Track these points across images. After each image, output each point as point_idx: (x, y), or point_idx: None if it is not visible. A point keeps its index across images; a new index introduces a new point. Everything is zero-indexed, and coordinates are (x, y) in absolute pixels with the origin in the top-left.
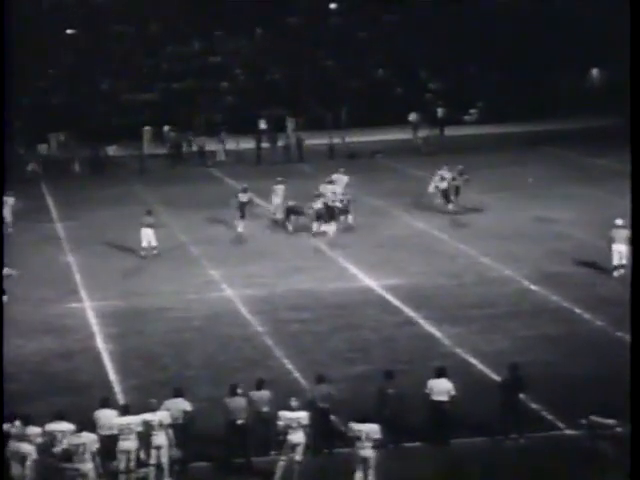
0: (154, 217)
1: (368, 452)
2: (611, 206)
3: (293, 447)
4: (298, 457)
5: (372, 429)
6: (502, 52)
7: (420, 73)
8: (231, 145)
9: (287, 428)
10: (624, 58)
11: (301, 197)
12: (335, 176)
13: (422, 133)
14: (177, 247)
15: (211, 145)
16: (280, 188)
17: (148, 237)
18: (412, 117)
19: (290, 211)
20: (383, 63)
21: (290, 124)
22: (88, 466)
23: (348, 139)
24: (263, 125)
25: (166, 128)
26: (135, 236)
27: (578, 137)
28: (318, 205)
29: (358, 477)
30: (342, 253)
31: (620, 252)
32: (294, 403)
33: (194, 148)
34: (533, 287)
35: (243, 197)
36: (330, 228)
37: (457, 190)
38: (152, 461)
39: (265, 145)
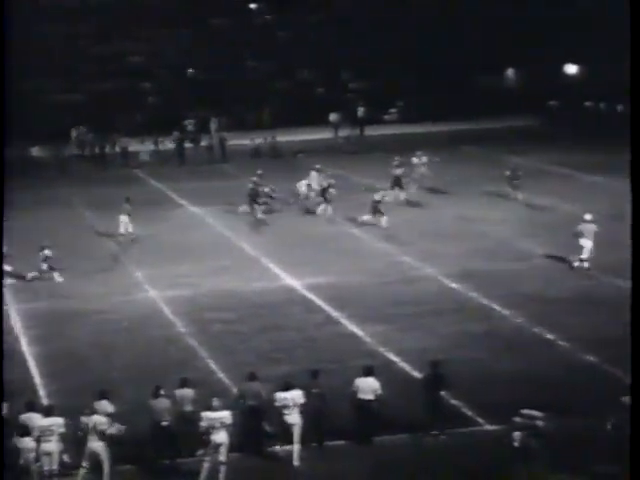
0: (131, 205)
1: (295, 418)
2: (529, 204)
3: (216, 447)
4: (222, 457)
5: (297, 395)
6: (421, 52)
7: (341, 73)
8: (153, 146)
9: (210, 428)
10: (540, 58)
11: (224, 197)
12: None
13: (343, 133)
14: (102, 248)
15: (134, 146)
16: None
17: (125, 224)
18: (333, 117)
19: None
20: (305, 64)
21: (213, 124)
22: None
23: (271, 139)
24: (190, 126)
25: (82, 129)
26: (59, 238)
27: (497, 136)
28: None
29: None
30: (265, 253)
31: (585, 247)
32: (216, 403)
33: (117, 149)
34: (454, 285)
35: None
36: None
37: (516, 186)
38: (84, 464)
39: (188, 145)
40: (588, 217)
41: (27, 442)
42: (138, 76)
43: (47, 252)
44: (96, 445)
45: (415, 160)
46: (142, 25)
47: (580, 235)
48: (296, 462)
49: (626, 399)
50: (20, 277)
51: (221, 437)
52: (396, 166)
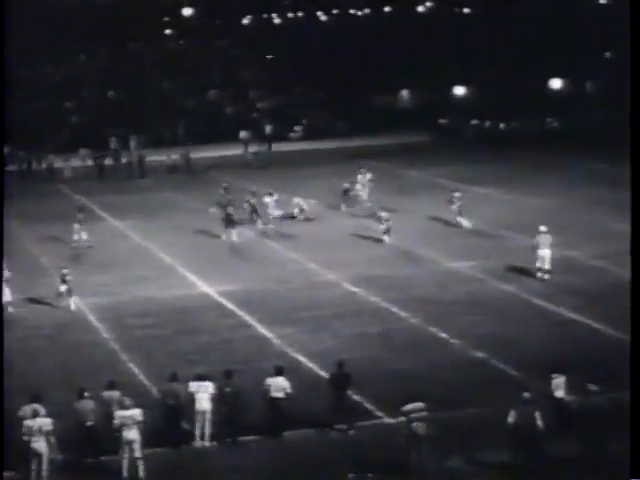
0: (84, 214)
1: (206, 404)
2: (422, 213)
3: (129, 443)
4: (137, 453)
5: (208, 385)
6: (324, 75)
7: (249, 93)
8: (77, 162)
9: (122, 426)
10: (431, 81)
11: (143, 210)
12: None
13: (252, 149)
14: (28, 258)
15: (59, 162)
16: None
17: (79, 232)
18: (242, 135)
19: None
20: (216, 85)
21: (132, 142)
22: None
23: (185, 155)
24: (114, 144)
25: (6, 149)
26: None
27: (393, 151)
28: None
29: (198, 429)
30: (182, 262)
31: (544, 257)
32: (127, 402)
33: (44, 165)
34: (355, 289)
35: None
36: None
37: (460, 210)
38: (33, 466)
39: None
40: (543, 229)
41: None
42: (61, 97)
43: (65, 271)
44: (40, 445)
45: (360, 177)
46: (64, 48)
47: (537, 246)
48: (207, 443)
49: (526, 394)
50: None
51: (133, 434)
52: (351, 183)
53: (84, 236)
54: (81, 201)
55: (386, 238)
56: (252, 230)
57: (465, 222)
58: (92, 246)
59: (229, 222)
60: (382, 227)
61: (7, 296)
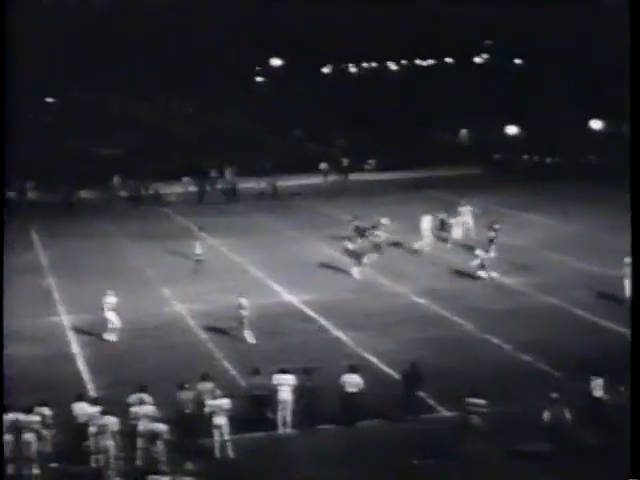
0: (201, 233)
1: (287, 395)
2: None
3: (219, 428)
4: (226, 436)
5: (290, 377)
6: (393, 117)
7: (329, 133)
8: (179, 189)
9: (212, 413)
10: (489, 121)
11: (235, 230)
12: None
13: (331, 179)
14: (135, 270)
15: (164, 189)
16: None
17: (199, 247)
18: (322, 166)
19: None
20: (299, 125)
21: (228, 172)
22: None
23: (273, 183)
24: (213, 174)
25: (118, 177)
26: (103, 263)
27: (453, 182)
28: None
29: (280, 417)
30: (268, 275)
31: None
32: (217, 392)
33: (150, 191)
34: (418, 300)
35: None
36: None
37: (492, 240)
38: (140, 446)
39: (208, 188)
40: (627, 260)
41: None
42: (166, 134)
43: (242, 301)
44: (154, 426)
45: (460, 209)
46: (170, 92)
47: (625, 276)
48: (288, 430)
49: (554, 394)
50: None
51: (221, 420)
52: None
53: (200, 250)
54: (182, 222)
55: (482, 274)
56: (329, 248)
57: (492, 252)
58: (203, 260)
59: (355, 257)
60: (476, 263)
61: (117, 322)
